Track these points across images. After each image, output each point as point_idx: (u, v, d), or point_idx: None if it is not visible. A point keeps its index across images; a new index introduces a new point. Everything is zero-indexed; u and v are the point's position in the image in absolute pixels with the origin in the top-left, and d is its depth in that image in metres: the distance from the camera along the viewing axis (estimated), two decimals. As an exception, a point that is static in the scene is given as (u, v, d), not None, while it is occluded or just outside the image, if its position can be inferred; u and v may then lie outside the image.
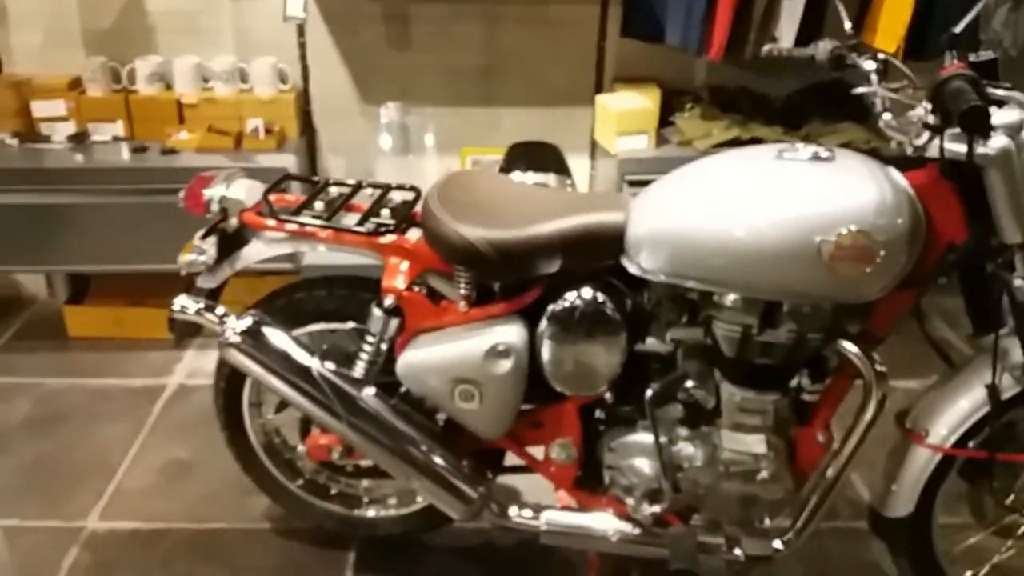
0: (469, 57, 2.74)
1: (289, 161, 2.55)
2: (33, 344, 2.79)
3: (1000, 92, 1.23)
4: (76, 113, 2.63)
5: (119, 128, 2.65)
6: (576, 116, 2.80)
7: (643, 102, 2.52)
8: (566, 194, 1.96)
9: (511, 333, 1.53)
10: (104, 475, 2.20)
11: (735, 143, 2.49)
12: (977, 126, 1.21)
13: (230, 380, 1.80)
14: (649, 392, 1.54)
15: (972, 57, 1.24)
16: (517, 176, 2.32)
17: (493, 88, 2.79)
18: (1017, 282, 1.32)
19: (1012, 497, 1.54)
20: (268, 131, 2.61)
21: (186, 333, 1.75)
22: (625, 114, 2.47)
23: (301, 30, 2.66)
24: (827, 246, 1.30)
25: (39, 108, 2.62)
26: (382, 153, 2.65)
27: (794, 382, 1.51)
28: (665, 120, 2.63)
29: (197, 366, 2.66)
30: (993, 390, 1.41)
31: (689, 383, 1.54)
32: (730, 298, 1.42)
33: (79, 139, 2.63)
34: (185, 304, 1.65)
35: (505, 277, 1.55)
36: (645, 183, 2.40)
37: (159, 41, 2.70)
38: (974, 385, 1.46)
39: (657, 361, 1.57)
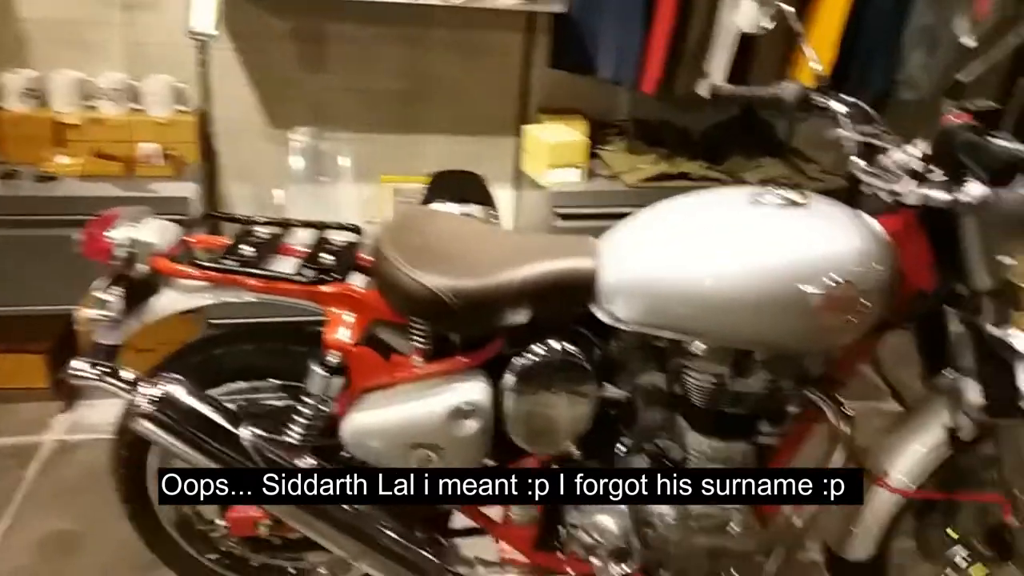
0: (388, 81, 2.59)
1: (189, 190, 2.31)
2: None
3: (1002, 142, 1.23)
4: (-73, 130, 2.29)
5: (-17, 150, 2.33)
6: (499, 145, 2.70)
7: (575, 135, 2.46)
8: (528, 238, 1.84)
9: (476, 391, 1.40)
10: (-32, 557, 1.89)
11: (663, 177, 2.47)
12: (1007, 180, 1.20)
13: (132, 448, 1.56)
14: (622, 449, 1.46)
15: (972, 106, 1.23)
16: (438, 206, 2.21)
17: (413, 114, 2.65)
18: (988, 327, 1.32)
19: (956, 529, 1.57)
20: (165, 156, 2.37)
21: (77, 394, 1.50)
22: (558, 147, 2.41)
23: (203, 47, 2.43)
24: (813, 297, 1.25)
25: None
26: (293, 180, 2.45)
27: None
28: (590, 153, 2.58)
29: (77, 418, 2.34)
30: (954, 433, 1.43)
31: (656, 434, 1.47)
32: (700, 347, 1.36)
33: (-67, 160, 2.29)
34: (82, 368, 1.39)
35: (470, 329, 1.42)
36: (576, 216, 2.43)
37: (34, 53, 2.41)
38: (932, 427, 1.48)
39: (622, 411, 1.49)
